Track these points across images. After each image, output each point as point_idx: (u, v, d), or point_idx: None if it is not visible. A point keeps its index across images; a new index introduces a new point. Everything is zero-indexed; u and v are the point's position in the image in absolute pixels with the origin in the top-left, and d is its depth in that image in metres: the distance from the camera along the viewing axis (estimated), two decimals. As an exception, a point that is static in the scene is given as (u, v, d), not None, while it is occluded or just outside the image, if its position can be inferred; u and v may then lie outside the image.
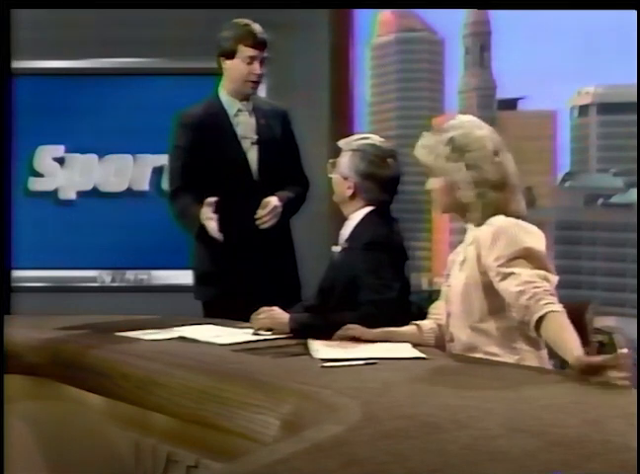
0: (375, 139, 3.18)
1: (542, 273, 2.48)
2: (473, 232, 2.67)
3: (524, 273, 2.47)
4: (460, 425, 1.87)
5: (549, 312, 2.38)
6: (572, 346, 2.31)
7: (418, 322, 2.80)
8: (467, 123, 2.70)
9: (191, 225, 3.53)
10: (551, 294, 2.43)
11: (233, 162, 3.62)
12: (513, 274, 2.49)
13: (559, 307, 2.41)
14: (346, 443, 1.76)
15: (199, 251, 3.68)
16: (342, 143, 3.20)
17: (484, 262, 2.58)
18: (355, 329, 2.74)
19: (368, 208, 3.12)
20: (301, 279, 3.72)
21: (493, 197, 2.65)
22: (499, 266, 2.52)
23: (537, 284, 2.43)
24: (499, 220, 2.61)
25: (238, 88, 3.64)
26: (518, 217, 2.65)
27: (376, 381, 2.28)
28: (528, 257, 2.51)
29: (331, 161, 3.21)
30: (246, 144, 3.65)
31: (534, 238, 2.56)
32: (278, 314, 3.00)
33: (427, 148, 2.71)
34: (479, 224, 2.67)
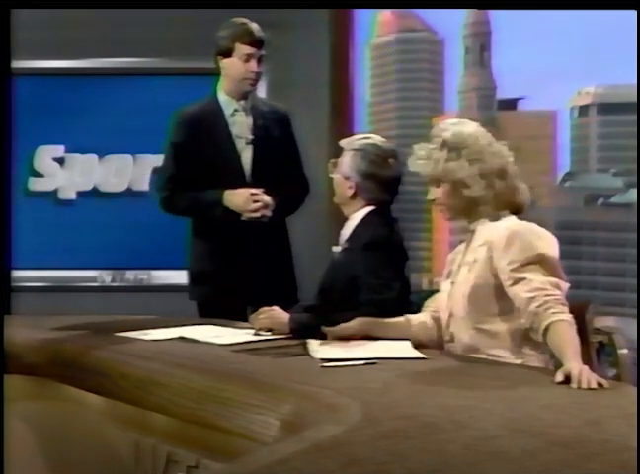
0: (377, 139, 3.17)
1: (555, 280, 2.49)
2: (484, 233, 2.66)
3: (537, 279, 2.48)
4: (460, 425, 1.87)
5: (556, 321, 2.41)
6: (568, 357, 2.32)
7: (409, 316, 2.79)
8: (454, 125, 2.72)
9: (210, 206, 3.56)
10: (562, 304, 2.44)
11: (227, 162, 3.61)
12: (525, 279, 2.49)
13: (567, 316, 2.42)
14: (345, 444, 1.76)
15: (194, 251, 3.69)
16: (343, 143, 3.19)
17: (496, 264, 2.58)
18: (331, 331, 2.73)
19: (369, 208, 3.11)
20: (297, 280, 3.71)
21: (501, 185, 2.68)
22: (511, 270, 2.53)
23: (549, 292, 2.45)
24: (513, 224, 2.62)
25: (236, 87, 3.64)
26: (524, 207, 2.71)
27: (376, 381, 2.28)
28: (542, 262, 2.52)
29: (332, 161, 3.21)
30: (240, 144, 3.64)
31: (548, 244, 2.57)
32: (277, 314, 2.99)
33: (423, 159, 2.72)
34: (494, 219, 2.67)
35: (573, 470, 1.61)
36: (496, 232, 2.62)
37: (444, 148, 2.68)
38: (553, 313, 2.41)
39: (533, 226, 2.62)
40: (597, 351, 2.91)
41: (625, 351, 2.97)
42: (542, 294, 2.45)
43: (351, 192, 3.12)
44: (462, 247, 2.76)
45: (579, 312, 2.93)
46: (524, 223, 2.63)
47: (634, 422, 1.83)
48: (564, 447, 1.72)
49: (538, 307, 2.44)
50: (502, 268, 2.56)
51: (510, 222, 2.64)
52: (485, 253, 2.62)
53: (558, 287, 2.48)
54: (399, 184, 3.17)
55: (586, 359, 2.84)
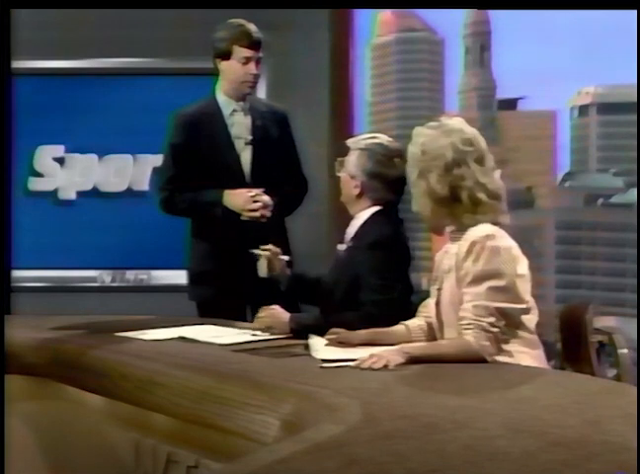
0: (383, 139, 3.16)
1: (492, 306, 2.52)
2: (459, 240, 2.65)
3: (475, 303, 2.52)
4: (460, 425, 1.87)
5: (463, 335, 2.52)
6: (408, 345, 2.53)
7: (405, 322, 2.79)
8: (435, 131, 2.68)
9: (210, 206, 3.56)
10: (484, 329, 2.50)
11: (226, 162, 3.62)
12: (467, 295, 2.55)
13: (470, 339, 2.50)
14: (345, 444, 1.76)
15: (194, 251, 3.69)
16: (350, 142, 3.18)
17: (456, 273, 2.61)
18: (339, 333, 2.73)
19: (375, 208, 3.11)
20: None
21: (437, 210, 2.66)
22: (463, 281, 2.57)
23: (480, 320, 2.51)
24: (478, 234, 2.58)
25: (235, 88, 3.64)
26: (497, 222, 2.64)
27: (376, 381, 2.29)
28: (492, 279, 2.53)
29: (339, 160, 3.19)
30: (240, 145, 3.64)
31: (505, 260, 2.56)
32: (278, 313, 3.00)
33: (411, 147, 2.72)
34: (452, 236, 2.67)
35: (573, 470, 1.61)
36: (464, 240, 2.61)
37: (419, 149, 2.68)
38: (469, 333, 2.51)
39: (498, 240, 2.58)
40: (597, 351, 2.91)
41: (625, 351, 2.98)
42: (471, 317, 2.51)
43: (357, 191, 3.11)
44: (447, 248, 2.74)
45: (579, 312, 2.93)
46: (491, 234, 2.58)
47: (634, 422, 1.83)
48: (564, 448, 1.72)
49: (466, 325, 2.52)
50: (459, 276, 2.59)
51: (478, 231, 2.60)
52: (454, 259, 2.63)
53: (492, 314, 2.51)
54: (405, 184, 3.15)
55: (586, 359, 2.85)
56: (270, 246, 3.24)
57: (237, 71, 3.60)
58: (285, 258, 3.22)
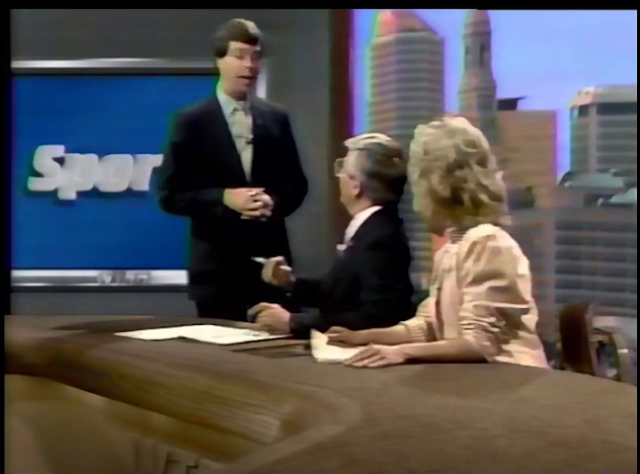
0: (382, 138, 3.16)
1: (494, 306, 2.51)
2: (460, 240, 2.65)
3: (476, 302, 2.52)
4: (460, 425, 1.87)
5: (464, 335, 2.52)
6: (409, 345, 2.54)
7: (405, 322, 2.79)
8: (438, 130, 2.67)
9: (210, 205, 3.56)
10: (485, 329, 2.50)
11: (226, 161, 3.62)
12: (468, 296, 2.54)
13: (472, 340, 2.49)
14: (345, 444, 1.76)
15: (194, 251, 3.69)
16: (349, 142, 3.18)
17: (456, 273, 2.60)
18: (341, 332, 2.73)
19: (375, 208, 3.10)
20: None
21: (438, 211, 2.65)
22: (464, 281, 2.56)
23: (481, 320, 2.50)
24: (478, 235, 2.58)
25: (233, 85, 3.64)
26: (497, 223, 2.64)
27: (376, 382, 2.29)
28: (493, 279, 2.52)
29: (338, 160, 3.19)
30: (240, 144, 3.65)
31: (505, 260, 2.55)
32: (278, 313, 3.00)
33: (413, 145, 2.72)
34: (470, 225, 2.65)
35: (573, 470, 1.61)
36: (464, 240, 2.60)
37: (422, 148, 2.67)
38: (469, 332, 2.50)
39: (499, 240, 2.57)
40: (597, 351, 2.91)
41: (625, 351, 2.98)
42: (472, 317, 2.51)
43: (356, 191, 3.11)
44: (447, 247, 2.74)
45: (579, 312, 2.94)
46: (492, 235, 2.57)
47: (634, 422, 1.83)
48: (564, 447, 1.72)
49: (464, 326, 2.52)
50: (459, 276, 2.58)
51: (479, 231, 2.59)
52: (455, 259, 2.63)
53: (492, 315, 2.51)
54: (404, 183, 3.14)
55: (586, 359, 2.85)
56: (271, 258, 3.23)
57: (233, 65, 3.60)
58: (288, 268, 3.22)
